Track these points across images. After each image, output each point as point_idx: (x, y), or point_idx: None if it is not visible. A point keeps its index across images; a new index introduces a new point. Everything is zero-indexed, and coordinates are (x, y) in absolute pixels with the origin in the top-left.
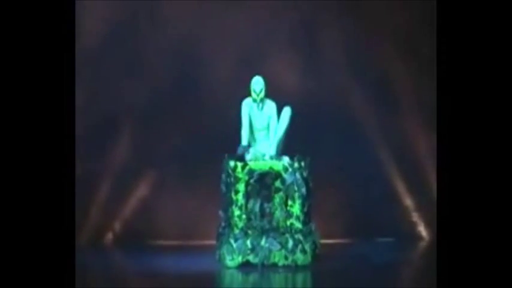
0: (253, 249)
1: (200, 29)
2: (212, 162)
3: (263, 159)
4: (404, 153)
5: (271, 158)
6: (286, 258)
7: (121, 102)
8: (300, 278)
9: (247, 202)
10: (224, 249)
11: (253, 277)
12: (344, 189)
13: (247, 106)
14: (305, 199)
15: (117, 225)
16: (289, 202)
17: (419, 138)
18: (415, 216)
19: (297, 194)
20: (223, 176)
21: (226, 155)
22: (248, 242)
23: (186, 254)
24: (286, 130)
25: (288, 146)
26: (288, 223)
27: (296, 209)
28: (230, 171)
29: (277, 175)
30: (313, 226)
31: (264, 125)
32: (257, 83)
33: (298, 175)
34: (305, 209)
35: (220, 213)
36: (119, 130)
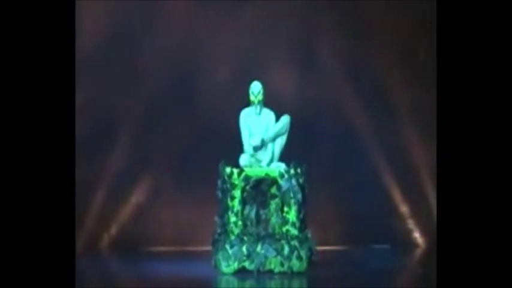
0: (249, 256)
1: (198, 36)
2: (208, 169)
3: (259, 166)
4: (400, 161)
5: (267, 165)
6: (282, 264)
7: (117, 109)
8: (295, 284)
9: (243, 208)
10: (220, 256)
11: (249, 283)
12: (340, 196)
13: (245, 117)
14: (301, 206)
15: (113, 231)
16: (285, 208)
17: (415, 146)
18: (411, 223)
19: (293, 201)
20: (219, 182)
21: (222, 161)
22: (244, 249)
23: (182, 260)
24: (281, 135)
25: (284, 152)
26: (284, 229)
27: (292, 215)
28: (226, 177)
29: (273, 181)
30: (309, 233)
31: (261, 130)
32: (255, 86)
33: (294, 182)
34: (301, 216)
35: (216, 219)
36: (115, 136)
